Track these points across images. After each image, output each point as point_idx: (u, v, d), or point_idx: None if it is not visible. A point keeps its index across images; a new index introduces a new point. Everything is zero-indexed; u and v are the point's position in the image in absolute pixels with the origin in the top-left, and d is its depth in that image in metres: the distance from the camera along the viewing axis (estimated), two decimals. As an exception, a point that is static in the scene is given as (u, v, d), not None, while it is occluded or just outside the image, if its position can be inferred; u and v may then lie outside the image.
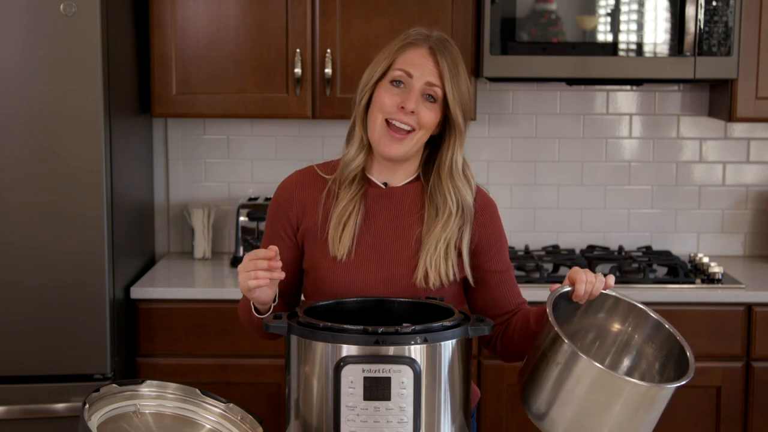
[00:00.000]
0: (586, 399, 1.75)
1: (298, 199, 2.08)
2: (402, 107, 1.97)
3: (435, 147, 2.08)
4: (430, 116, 1.99)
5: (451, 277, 2.03)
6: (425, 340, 1.70)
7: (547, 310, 1.82)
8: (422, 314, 1.90)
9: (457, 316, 1.79)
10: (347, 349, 1.68)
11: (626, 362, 1.95)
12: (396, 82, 1.99)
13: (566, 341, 1.75)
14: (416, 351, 1.69)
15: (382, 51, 2.05)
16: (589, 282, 1.90)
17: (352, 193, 2.04)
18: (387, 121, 1.99)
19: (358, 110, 2.05)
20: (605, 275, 1.93)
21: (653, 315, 1.93)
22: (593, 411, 1.76)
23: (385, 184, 2.08)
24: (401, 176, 2.09)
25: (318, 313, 1.86)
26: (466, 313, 1.86)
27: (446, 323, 1.74)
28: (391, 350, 1.68)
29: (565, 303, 1.92)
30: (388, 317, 1.93)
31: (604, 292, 1.92)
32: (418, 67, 1.98)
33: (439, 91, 1.99)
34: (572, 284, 1.91)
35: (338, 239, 2.02)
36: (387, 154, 2.01)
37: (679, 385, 1.77)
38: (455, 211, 2.03)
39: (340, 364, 1.68)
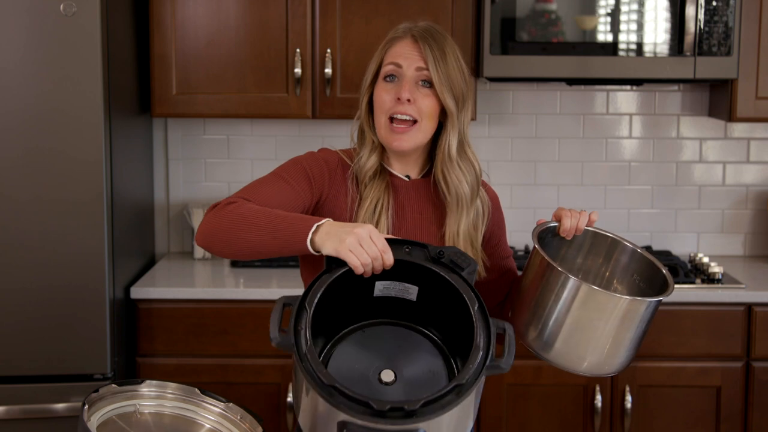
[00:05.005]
0: (575, 318, 1.88)
1: (341, 177, 2.05)
2: (398, 98, 1.99)
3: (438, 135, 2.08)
4: (427, 102, 2.00)
5: (485, 261, 2.08)
6: (436, 413, 1.60)
7: (534, 242, 1.92)
8: (440, 296, 1.80)
9: (472, 359, 1.66)
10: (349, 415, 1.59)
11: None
12: (389, 77, 2.02)
13: (555, 265, 1.86)
14: (426, 423, 1.60)
15: (375, 54, 2.08)
16: (573, 217, 2.00)
17: (377, 186, 2.04)
18: (390, 118, 2.01)
19: (362, 113, 2.07)
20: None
21: (629, 245, 2.06)
22: (582, 329, 1.88)
23: (408, 177, 2.09)
24: (417, 169, 2.10)
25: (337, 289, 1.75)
26: (479, 296, 1.76)
27: (460, 382, 1.63)
28: (397, 424, 1.60)
29: (550, 239, 2.01)
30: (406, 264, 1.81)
31: (586, 228, 2.03)
32: (405, 56, 2.00)
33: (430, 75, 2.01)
34: (558, 220, 2.01)
35: None
36: (397, 149, 2.02)
37: (658, 299, 1.91)
38: (456, 202, 2.04)
39: (342, 426, 1.60)
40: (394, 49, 2.03)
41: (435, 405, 1.61)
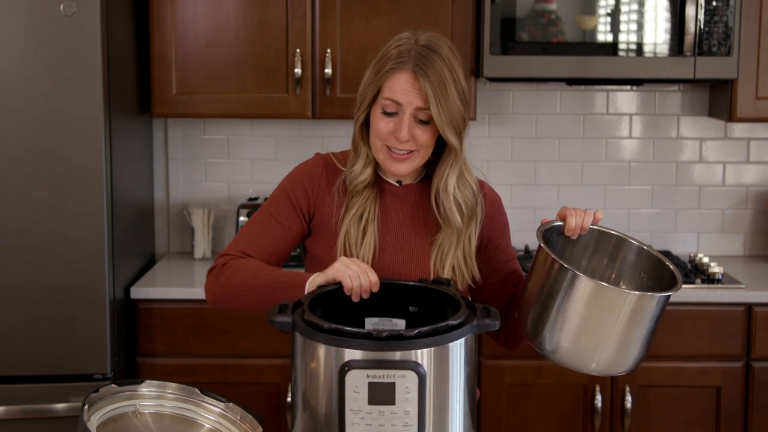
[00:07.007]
0: (584, 316, 1.84)
1: (325, 183, 2.07)
2: (396, 137, 1.97)
3: (439, 147, 2.06)
4: (425, 137, 1.98)
5: (477, 276, 2.06)
6: (431, 344, 1.67)
7: (539, 240, 1.90)
8: (427, 299, 1.89)
9: (463, 312, 1.75)
10: (351, 353, 1.66)
11: None
12: (387, 113, 1.98)
13: (561, 262, 1.84)
14: (421, 354, 1.67)
15: (373, 65, 2.01)
16: (578, 216, 1.98)
17: (366, 196, 2.04)
18: (387, 146, 2.00)
19: (356, 128, 2.05)
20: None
21: (635, 243, 2.03)
22: (591, 327, 1.85)
23: (399, 182, 2.09)
24: (412, 176, 2.10)
25: (324, 298, 1.85)
26: (470, 300, 1.83)
27: (452, 322, 1.70)
28: (397, 355, 1.66)
29: (555, 238, 1.99)
30: (393, 302, 1.92)
31: (591, 226, 2.01)
32: (404, 93, 1.95)
33: (429, 113, 1.96)
34: (563, 219, 1.99)
35: (360, 241, 2.01)
36: (395, 173, 2.03)
37: (668, 294, 1.85)
38: (448, 226, 2.04)
39: (344, 368, 1.65)
40: (393, 81, 1.96)
41: (431, 335, 1.69)
